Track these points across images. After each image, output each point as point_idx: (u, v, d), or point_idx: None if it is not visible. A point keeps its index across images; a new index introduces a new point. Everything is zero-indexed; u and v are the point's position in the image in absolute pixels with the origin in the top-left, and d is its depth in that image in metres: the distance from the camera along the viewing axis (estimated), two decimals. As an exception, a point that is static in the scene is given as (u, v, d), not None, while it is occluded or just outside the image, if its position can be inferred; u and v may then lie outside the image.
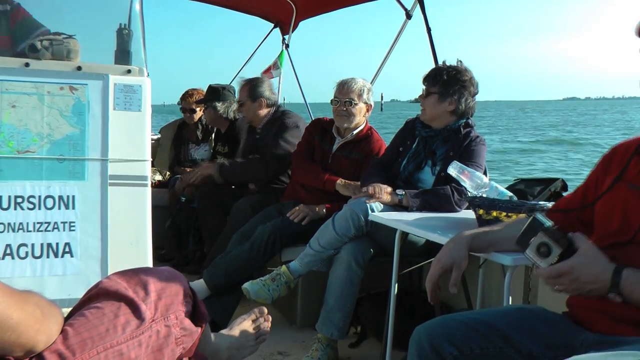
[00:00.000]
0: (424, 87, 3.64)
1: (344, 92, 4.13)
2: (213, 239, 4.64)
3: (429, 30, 4.86)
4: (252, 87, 4.88)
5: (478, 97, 3.66)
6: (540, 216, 1.78)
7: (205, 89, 5.85)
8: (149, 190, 3.15)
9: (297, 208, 4.05)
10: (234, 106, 5.48)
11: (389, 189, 3.45)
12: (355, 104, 4.13)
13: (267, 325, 2.41)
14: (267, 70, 7.38)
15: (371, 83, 4.42)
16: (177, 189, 5.35)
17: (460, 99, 3.57)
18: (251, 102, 4.86)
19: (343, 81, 4.18)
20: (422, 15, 4.94)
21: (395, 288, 3.14)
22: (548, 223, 1.76)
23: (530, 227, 1.77)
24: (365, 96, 4.18)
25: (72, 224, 2.92)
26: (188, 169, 5.77)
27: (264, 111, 4.88)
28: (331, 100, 4.19)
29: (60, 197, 2.91)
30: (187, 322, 1.66)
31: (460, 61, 3.64)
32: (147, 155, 3.14)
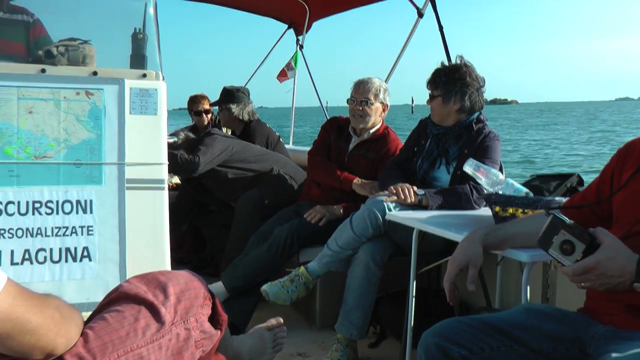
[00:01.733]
0: (429, 92, 3.70)
1: (361, 92, 4.15)
2: (219, 248, 4.74)
3: (441, 28, 4.87)
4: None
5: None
6: (559, 214, 1.78)
7: (211, 93, 5.95)
8: (166, 193, 3.17)
9: (314, 209, 4.07)
10: (249, 107, 5.52)
11: (415, 189, 3.45)
12: (372, 104, 4.15)
13: (283, 335, 2.43)
14: (282, 73, 7.41)
15: (385, 82, 4.42)
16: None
17: (464, 97, 3.60)
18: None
19: (359, 81, 4.20)
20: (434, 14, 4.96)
21: (413, 287, 3.14)
22: (568, 221, 1.75)
23: (551, 225, 1.77)
24: (381, 96, 4.19)
25: (90, 228, 2.95)
26: None
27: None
28: (347, 100, 4.21)
29: (78, 202, 2.94)
30: (207, 325, 1.68)
31: (461, 57, 3.67)
32: (164, 158, 3.16)
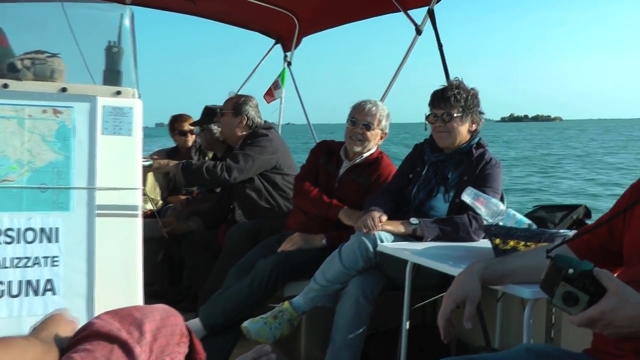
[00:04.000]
0: (442, 110, 3.66)
1: (364, 114, 4.17)
2: (201, 278, 4.68)
3: (440, 46, 4.91)
4: (239, 102, 4.97)
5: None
6: (559, 257, 1.75)
7: (193, 112, 5.93)
8: (139, 220, 3.14)
9: (290, 237, 4.07)
10: None
11: (384, 218, 3.47)
12: (373, 129, 4.17)
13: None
14: (269, 93, 7.41)
15: (381, 101, 4.45)
16: (169, 218, 5.38)
17: (478, 118, 3.65)
18: (232, 116, 4.95)
19: (363, 103, 4.22)
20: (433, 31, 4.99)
21: (406, 324, 3.13)
22: (569, 267, 1.71)
23: (551, 274, 1.75)
24: (384, 123, 4.22)
25: (55, 259, 2.91)
26: (182, 197, 5.78)
27: (241, 131, 4.96)
28: (347, 120, 4.22)
29: (42, 230, 2.90)
30: None
31: (460, 80, 3.73)
32: (138, 183, 3.14)
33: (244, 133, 4.96)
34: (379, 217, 3.46)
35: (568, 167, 33.20)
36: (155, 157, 5.18)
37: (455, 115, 3.62)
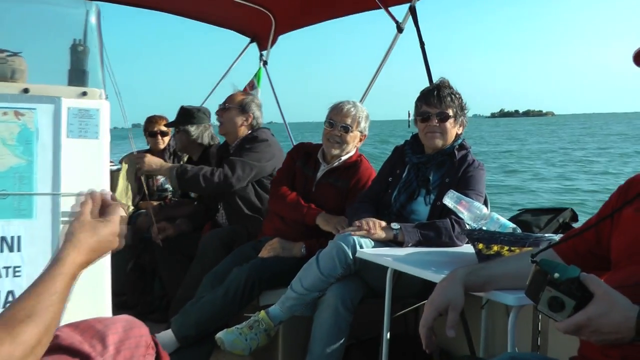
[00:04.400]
0: (437, 109, 3.66)
1: (342, 116, 4.17)
2: (176, 285, 4.65)
3: (422, 44, 4.92)
4: (247, 99, 5.00)
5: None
6: (545, 262, 1.74)
7: (166, 114, 5.90)
8: None
9: (269, 243, 4.06)
10: (210, 130, 5.50)
11: (383, 224, 3.46)
12: (351, 131, 4.17)
13: None
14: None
15: (360, 102, 4.45)
16: (140, 225, 5.33)
17: (465, 119, 3.72)
18: (238, 112, 4.93)
19: (341, 104, 4.21)
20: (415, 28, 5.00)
21: (387, 334, 3.13)
22: (555, 271, 1.71)
23: (536, 279, 1.74)
24: (362, 125, 4.23)
25: (16, 269, 2.86)
26: (155, 202, 5.75)
27: (244, 129, 4.95)
28: (325, 122, 4.21)
29: (3, 239, 2.85)
30: None
31: (445, 80, 3.76)
32: (106, 188, 3.11)
33: (246, 131, 4.96)
34: (379, 223, 3.45)
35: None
36: (141, 157, 5.11)
37: (450, 115, 3.64)
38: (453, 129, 3.68)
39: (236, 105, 4.95)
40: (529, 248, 2.53)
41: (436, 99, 3.66)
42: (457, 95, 3.69)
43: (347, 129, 4.15)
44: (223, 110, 5.01)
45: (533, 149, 44.63)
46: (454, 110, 3.65)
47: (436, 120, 3.65)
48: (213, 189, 4.68)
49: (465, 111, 3.73)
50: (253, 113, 4.96)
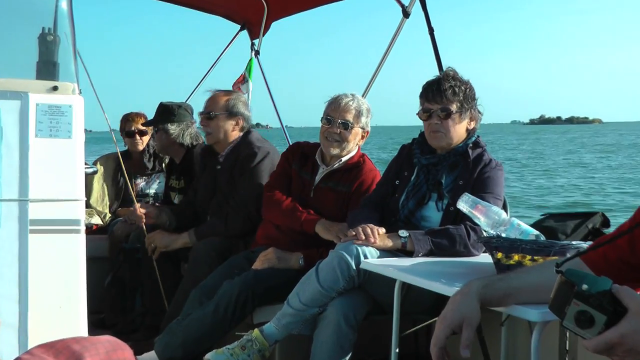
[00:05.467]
0: (437, 105, 3.63)
1: (340, 111, 4.14)
2: (162, 301, 4.63)
3: (431, 31, 4.93)
4: (231, 100, 4.90)
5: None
6: (572, 272, 1.72)
7: (148, 112, 5.89)
8: (82, 237, 3.11)
9: (264, 253, 4.05)
10: (192, 129, 5.47)
11: (383, 230, 3.45)
12: (351, 128, 4.14)
13: None
14: (234, 87, 7.36)
15: (363, 96, 4.43)
16: (119, 234, 5.31)
17: (477, 113, 3.70)
18: (226, 118, 4.86)
19: (339, 97, 4.19)
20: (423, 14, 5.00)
21: (396, 354, 3.11)
22: (583, 283, 1.68)
23: (561, 291, 1.72)
24: (364, 120, 4.20)
25: (-23, 284, 2.88)
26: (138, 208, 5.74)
27: (235, 134, 4.89)
28: (322, 119, 4.19)
29: (-38, 249, 2.87)
30: None
31: (453, 70, 3.73)
32: (80, 193, 3.11)
33: (238, 135, 4.89)
34: (377, 230, 3.43)
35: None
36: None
37: (453, 111, 3.61)
38: (459, 126, 3.65)
39: (222, 111, 4.85)
40: (554, 257, 2.51)
41: (436, 94, 3.63)
42: (463, 87, 3.63)
43: (346, 126, 4.12)
44: (208, 119, 4.90)
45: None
46: (458, 104, 3.61)
47: (438, 118, 3.63)
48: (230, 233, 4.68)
49: (474, 103, 3.68)
50: (242, 114, 4.89)
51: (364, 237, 3.38)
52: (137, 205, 4.98)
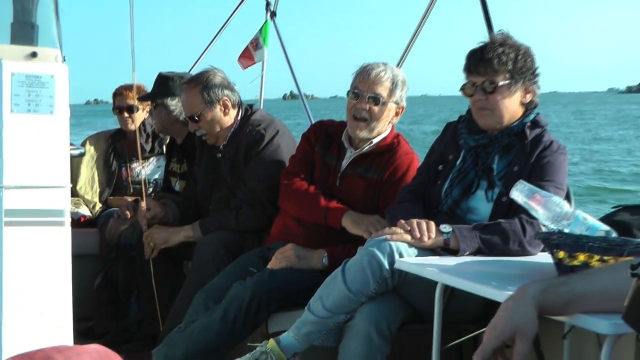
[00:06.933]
0: (482, 77, 3.58)
1: (369, 83, 4.11)
2: (160, 305, 4.65)
3: None
4: (203, 87, 4.82)
5: None
6: None
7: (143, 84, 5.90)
8: (67, 230, 3.14)
9: (280, 250, 4.06)
10: None
11: (434, 227, 3.42)
12: (384, 104, 4.12)
13: None
14: (245, 54, 7.36)
15: (398, 65, 4.40)
16: (112, 234, 5.32)
17: (534, 84, 3.66)
18: (210, 109, 4.81)
19: (368, 67, 4.16)
20: None
21: (437, 371, 3.10)
22: None
23: (638, 299, 1.71)
24: (398, 93, 4.17)
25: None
26: (129, 198, 5.74)
27: (229, 118, 4.86)
28: (348, 93, 4.17)
29: None
30: None
31: (507, 34, 3.70)
32: (64, 179, 3.11)
33: (233, 118, 4.88)
34: (431, 227, 3.40)
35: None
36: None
37: (500, 83, 3.56)
38: (509, 100, 3.59)
39: (202, 105, 4.79)
40: (629, 257, 2.47)
41: (479, 64, 3.58)
42: (513, 54, 3.56)
43: (377, 100, 4.09)
44: (196, 122, 4.85)
45: None
46: (507, 73, 3.55)
47: (483, 92, 3.58)
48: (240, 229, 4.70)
49: (529, 73, 3.61)
50: (223, 93, 4.83)
51: (418, 235, 3.34)
52: (143, 203, 4.96)
